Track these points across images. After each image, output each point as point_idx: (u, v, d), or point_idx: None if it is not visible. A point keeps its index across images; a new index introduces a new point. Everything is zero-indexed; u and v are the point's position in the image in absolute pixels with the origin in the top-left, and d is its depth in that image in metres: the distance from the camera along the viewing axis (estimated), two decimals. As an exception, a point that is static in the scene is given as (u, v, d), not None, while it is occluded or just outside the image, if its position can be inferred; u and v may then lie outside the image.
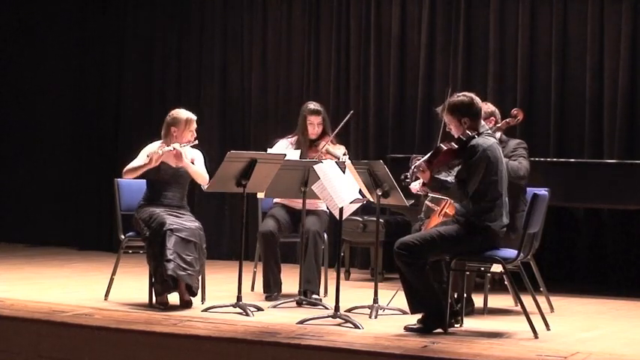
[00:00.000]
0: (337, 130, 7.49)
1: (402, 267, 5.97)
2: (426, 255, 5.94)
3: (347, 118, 7.55)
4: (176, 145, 6.91)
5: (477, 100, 6.12)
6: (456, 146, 5.95)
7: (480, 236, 5.95)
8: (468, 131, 5.99)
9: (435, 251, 5.98)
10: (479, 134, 6.00)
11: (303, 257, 7.20)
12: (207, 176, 7.05)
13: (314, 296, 7.14)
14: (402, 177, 6.25)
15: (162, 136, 7.07)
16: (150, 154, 6.91)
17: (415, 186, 6.98)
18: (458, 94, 6.13)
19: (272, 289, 7.29)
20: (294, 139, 7.65)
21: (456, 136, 6.02)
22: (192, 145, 7.03)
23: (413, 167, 6.05)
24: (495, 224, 5.94)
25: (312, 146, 7.54)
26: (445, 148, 5.95)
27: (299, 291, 7.03)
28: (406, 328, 5.98)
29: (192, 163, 7.07)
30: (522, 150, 7.17)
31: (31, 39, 11.45)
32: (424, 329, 5.93)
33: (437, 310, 5.94)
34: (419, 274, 5.92)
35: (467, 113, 6.03)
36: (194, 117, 7.08)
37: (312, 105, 7.66)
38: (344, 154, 7.40)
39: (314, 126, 7.57)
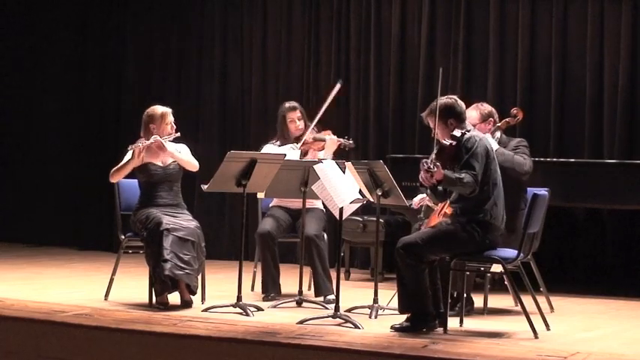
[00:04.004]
0: (327, 103, 7.53)
1: (402, 268, 6.00)
2: (428, 255, 5.99)
3: (335, 90, 7.55)
4: (156, 137, 6.93)
5: (460, 101, 6.25)
6: (454, 143, 6.01)
7: (480, 230, 5.97)
8: (457, 129, 6.07)
9: (437, 250, 6.01)
10: (467, 131, 6.12)
11: (307, 260, 7.21)
12: (196, 163, 7.11)
13: (329, 297, 7.13)
14: (426, 167, 6.04)
15: (143, 136, 7.09)
16: (132, 147, 6.93)
17: (416, 200, 7.00)
18: (440, 98, 6.20)
19: (270, 289, 7.29)
20: (278, 142, 7.66)
21: (443, 139, 6.09)
22: (174, 137, 7.03)
23: (429, 162, 5.98)
24: (494, 219, 6.00)
25: (299, 142, 7.55)
26: (447, 144, 6.02)
27: (299, 291, 7.03)
28: (393, 327, 6.00)
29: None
30: (524, 148, 7.20)
31: (32, 39, 11.45)
32: (410, 328, 5.96)
33: (423, 311, 6.00)
34: (417, 277, 5.96)
35: (452, 114, 6.15)
36: (169, 110, 7.11)
37: (288, 103, 7.74)
38: (330, 138, 7.42)
39: (295, 122, 7.60)
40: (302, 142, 7.48)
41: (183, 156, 7.07)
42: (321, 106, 7.63)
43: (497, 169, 6.13)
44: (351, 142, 7.40)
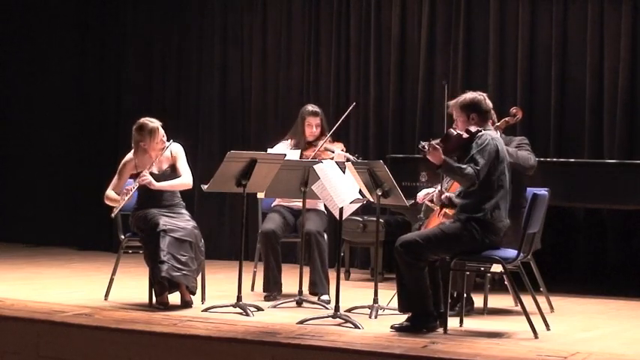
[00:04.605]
0: (338, 123, 7.55)
1: (401, 266, 5.99)
2: (427, 254, 5.98)
3: (348, 110, 7.57)
4: (145, 174, 6.86)
5: (488, 101, 6.24)
6: (466, 135, 6.01)
7: (479, 229, 5.96)
8: (474, 126, 6.08)
9: (437, 250, 6.00)
10: (485, 130, 6.12)
11: (307, 259, 7.22)
12: (189, 180, 7.06)
13: (323, 297, 7.15)
14: (420, 147, 6.06)
15: (134, 151, 7.06)
16: (130, 185, 6.92)
17: (420, 195, 6.99)
18: (470, 92, 6.25)
19: (271, 288, 7.30)
20: (291, 141, 7.67)
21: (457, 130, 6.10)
22: (165, 149, 6.99)
23: (426, 143, 5.99)
24: (495, 220, 5.98)
25: (309, 147, 7.57)
26: (455, 133, 6.03)
27: (299, 291, 7.03)
28: (393, 327, 6.00)
29: (174, 161, 7.01)
30: (526, 145, 7.20)
31: (31, 39, 11.44)
32: (410, 328, 5.96)
33: (424, 312, 6.00)
34: (417, 276, 5.96)
35: (476, 110, 6.17)
36: (157, 125, 7.01)
37: (311, 107, 7.75)
38: (342, 150, 7.44)
39: (312, 127, 7.61)
40: (316, 148, 7.47)
41: (174, 181, 6.99)
42: (338, 119, 7.65)
43: (506, 172, 6.08)
44: (359, 160, 7.33)
